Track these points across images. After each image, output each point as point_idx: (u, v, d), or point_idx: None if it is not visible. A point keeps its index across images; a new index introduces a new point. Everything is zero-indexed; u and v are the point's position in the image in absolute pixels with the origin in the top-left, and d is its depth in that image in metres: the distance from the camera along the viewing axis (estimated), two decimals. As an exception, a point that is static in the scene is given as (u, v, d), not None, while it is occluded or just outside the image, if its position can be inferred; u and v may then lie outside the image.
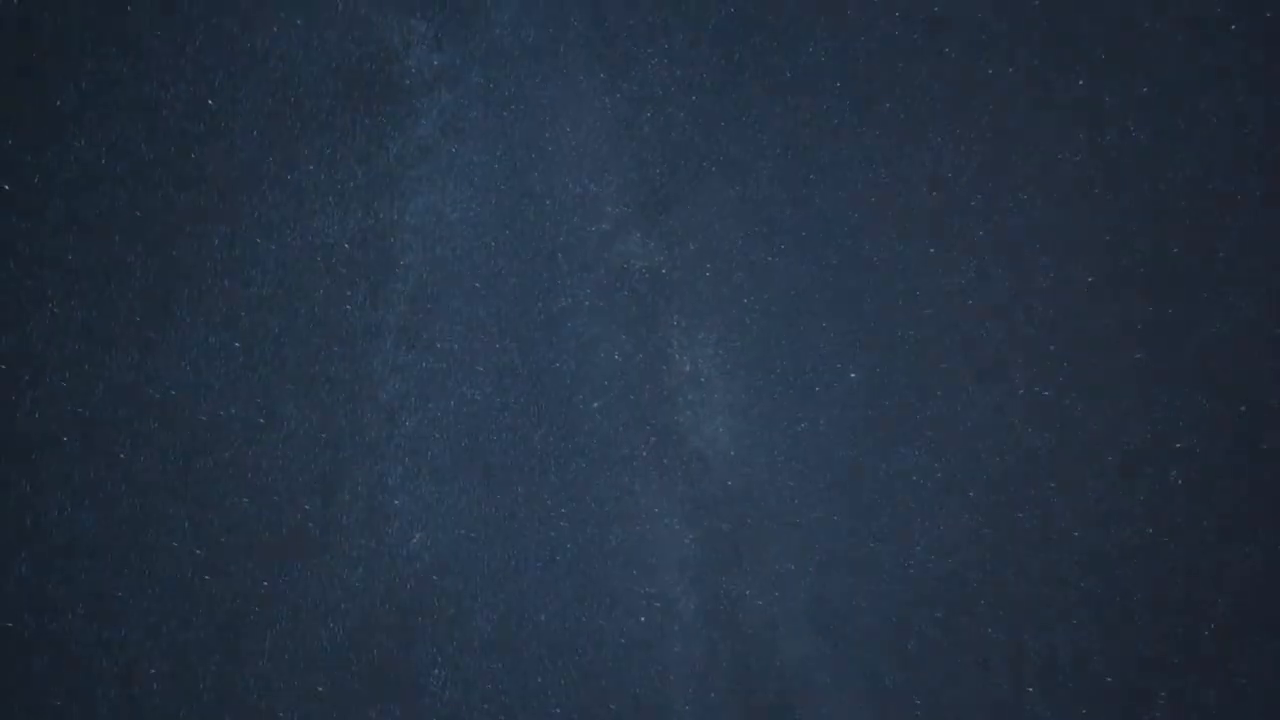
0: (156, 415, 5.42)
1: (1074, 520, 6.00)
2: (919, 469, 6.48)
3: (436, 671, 5.79)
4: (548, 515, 6.01)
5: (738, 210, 6.03)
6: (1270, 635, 5.97)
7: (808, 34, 5.87)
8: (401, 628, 5.73)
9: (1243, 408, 6.05)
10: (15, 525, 5.22)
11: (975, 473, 6.47)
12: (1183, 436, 6.01)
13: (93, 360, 5.30)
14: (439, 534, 5.79)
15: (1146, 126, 6.25)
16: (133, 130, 5.37)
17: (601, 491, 6.08)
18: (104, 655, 5.42)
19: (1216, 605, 6.08)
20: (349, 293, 5.40)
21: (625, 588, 6.18)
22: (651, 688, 6.26)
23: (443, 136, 5.41)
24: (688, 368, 6.14)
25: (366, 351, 5.61)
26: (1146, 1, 5.96)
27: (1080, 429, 6.25)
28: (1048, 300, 6.42)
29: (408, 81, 5.31)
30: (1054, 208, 6.37)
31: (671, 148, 5.89)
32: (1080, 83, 6.23)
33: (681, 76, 5.75)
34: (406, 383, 5.76)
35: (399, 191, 5.51)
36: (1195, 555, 6.09)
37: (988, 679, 6.20)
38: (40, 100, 5.15)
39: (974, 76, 6.25)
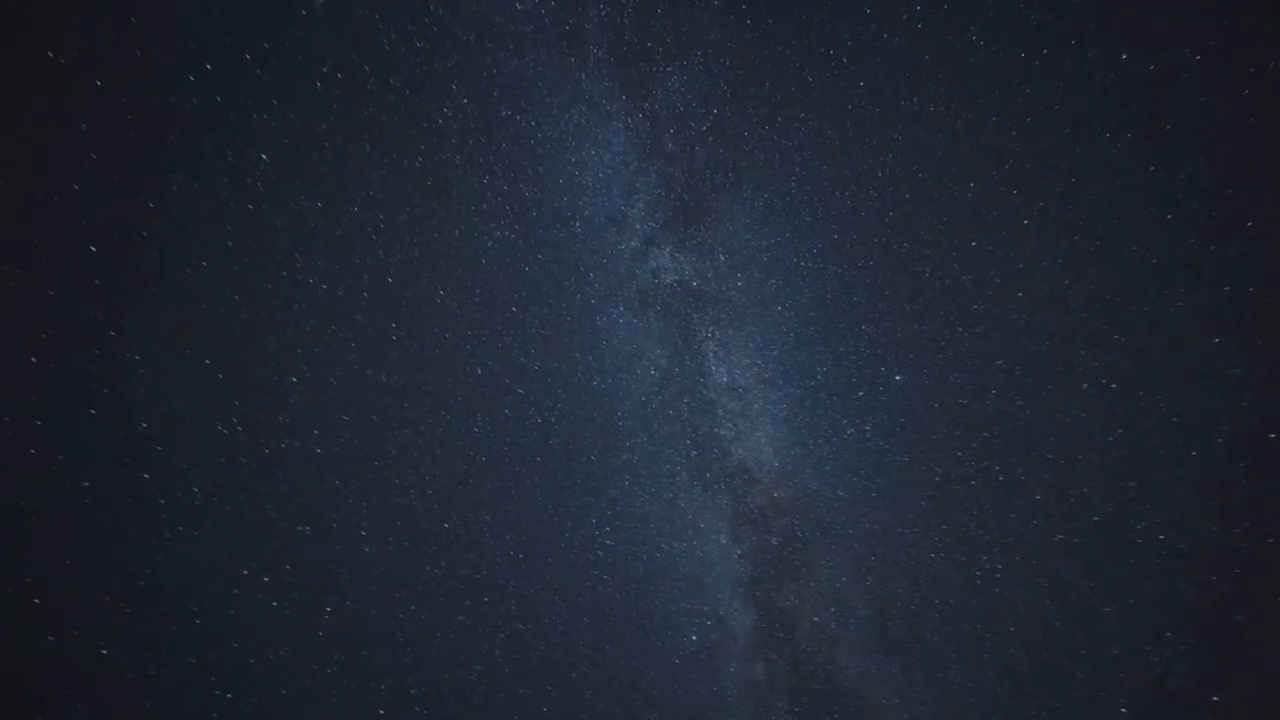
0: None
1: (1157, 522, 5.14)
2: (979, 473, 5.76)
3: (486, 691, 5.45)
4: (593, 534, 5.64)
5: (767, 218, 5.62)
6: None
7: (829, 39, 5.45)
8: (455, 646, 5.44)
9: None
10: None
11: (1041, 474, 5.70)
12: (1260, 429, 5.09)
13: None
14: (487, 558, 5.50)
15: (1192, 118, 5.50)
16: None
17: (645, 509, 5.67)
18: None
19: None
20: (394, 324, 5.27)
21: (675, 605, 5.71)
22: (708, 708, 5.71)
23: (471, 169, 5.26)
24: (725, 379, 5.71)
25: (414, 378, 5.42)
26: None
27: (1154, 425, 5.41)
28: (1109, 289, 5.66)
29: (439, 122, 5.21)
30: (1109, 193, 5.64)
31: (696, 161, 5.57)
32: (1119, 73, 5.53)
33: (702, 91, 5.45)
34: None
35: (434, 222, 5.38)
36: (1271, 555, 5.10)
37: (1074, 700, 5.35)
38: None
39: (1001, 68, 5.64)
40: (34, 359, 5.15)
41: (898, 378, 5.47)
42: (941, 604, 5.47)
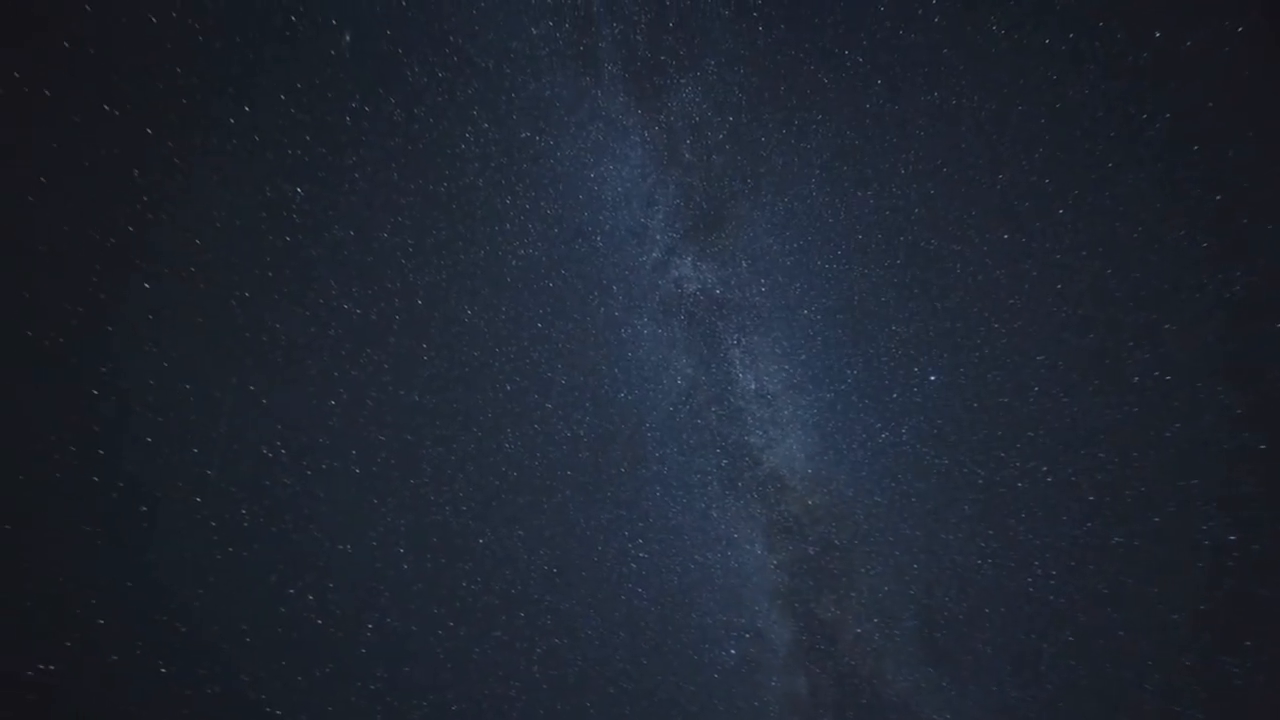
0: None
1: (1225, 522, 4.54)
2: (1025, 475, 5.24)
3: (525, 708, 5.16)
4: (625, 547, 5.34)
5: (788, 222, 5.30)
6: None
7: (843, 40, 5.14)
8: (494, 662, 5.18)
9: None
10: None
11: (1094, 475, 5.15)
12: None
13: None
14: (521, 573, 5.25)
15: (1237, 93, 4.96)
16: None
17: (678, 520, 5.35)
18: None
19: None
20: (425, 345, 5.13)
21: (712, 618, 5.33)
22: (750, 725, 5.29)
23: (494, 190, 5.12)
24: (753, 386, 5.36)
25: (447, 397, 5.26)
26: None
27: (1215, 418, 4.82)
28: (1157, 276, 5.13)
29: (462, 147, 5.09)
30: (1149, 176, 5.14)
31: (714, 170, 5.31)
32: (1151, 52, 5.05)
33: (717, 100, 5.21)
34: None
35: (460, 244, 5.25)
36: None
37: (1143, 716, 4.73)
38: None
39: (1025, 56, 5.21)
40: (95, 390, 5.17)
41: (932, 378, 5.02)
42: (992, 613, 4.95)
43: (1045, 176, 5.14)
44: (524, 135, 5.26)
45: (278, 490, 5.37)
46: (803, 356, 5.10)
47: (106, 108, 5.07)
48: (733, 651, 5.02)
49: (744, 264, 5.13)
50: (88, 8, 4.63)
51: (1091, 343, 4.89)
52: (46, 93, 4.88)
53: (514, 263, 5.35)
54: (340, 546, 5.36)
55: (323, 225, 5.26)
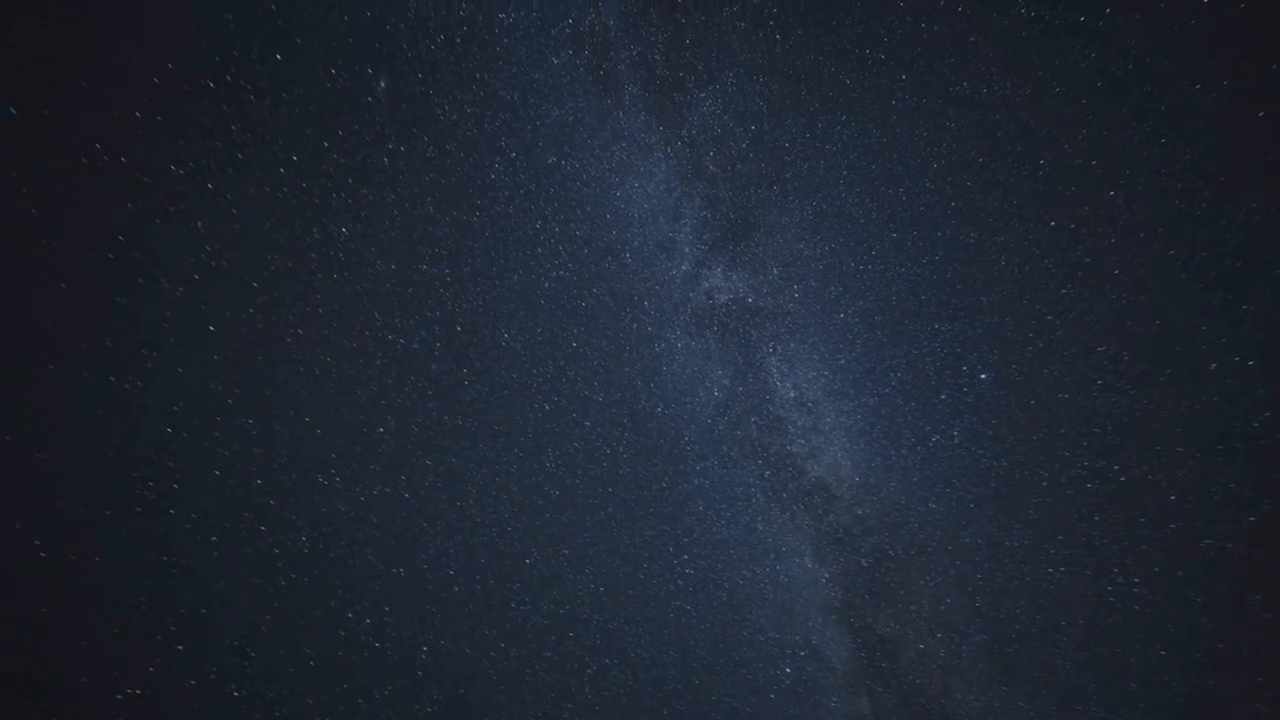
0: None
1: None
2: (1094, 474, 4.53)
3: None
4: (671, 563, 4.89)
5: (818, 225, 4.84)
6: None
7: (863, 39, 4.70)
8: (546, 684, 4.77)
9: None
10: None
11: (1173, 471, 4.40)
12: None
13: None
14: (568, 593, 4.87)
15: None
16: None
17: (722, 534, 4.87)
18: None
19: None
20: (465, 370, 4.89)
21: (764, 635, 4.80)
22: (810, 747, 4.69)
23: (524, 216, 4.89)
24: (792, 394, 4.87)
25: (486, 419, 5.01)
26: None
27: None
28: (1227, 254, 4.39)
29: (492, 177, 4.89)
30: (1209, 148, 4.45)
31: (739, 179, 4.93)
32: (1200, 19, 4.39)
33: (737, 110, 4.86)
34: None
35: (494, 270, 5.02)
36: None
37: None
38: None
39: (1059, 36, 4.63)
40: (169, 428, 5.14)
41: (982, 376, 4.40)
42: (1070, 625, 4.23)
43: (1092, 158, 4.50)
44: (550, 161, 5.03)
45: (335, 516, 5.20)
46: (842, 361, 4.57)
47: (173, 168, 5.12)
48: (788, 670, 4.46)
49: (775, 270, 4.67)
50: (155, 80, 4.68)
51: (1158, 330, 4.19)
52: (123, 159, 4.95)
53: (547, 285, 5.08)
54: (394, 570, 5.12)
55: (366, 261, 5.15)
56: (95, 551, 5.21)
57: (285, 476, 5.32)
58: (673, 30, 5.20)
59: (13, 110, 4.86)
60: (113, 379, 5.14)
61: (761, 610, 4.66)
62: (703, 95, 5.07)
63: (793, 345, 4.75)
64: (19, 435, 5.01)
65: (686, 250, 5.04)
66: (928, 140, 4.79)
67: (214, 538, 5.22)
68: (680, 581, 4.68)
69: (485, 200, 5.28)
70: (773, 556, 4.66)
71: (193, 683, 5.20)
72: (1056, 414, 4.47)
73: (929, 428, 4.53)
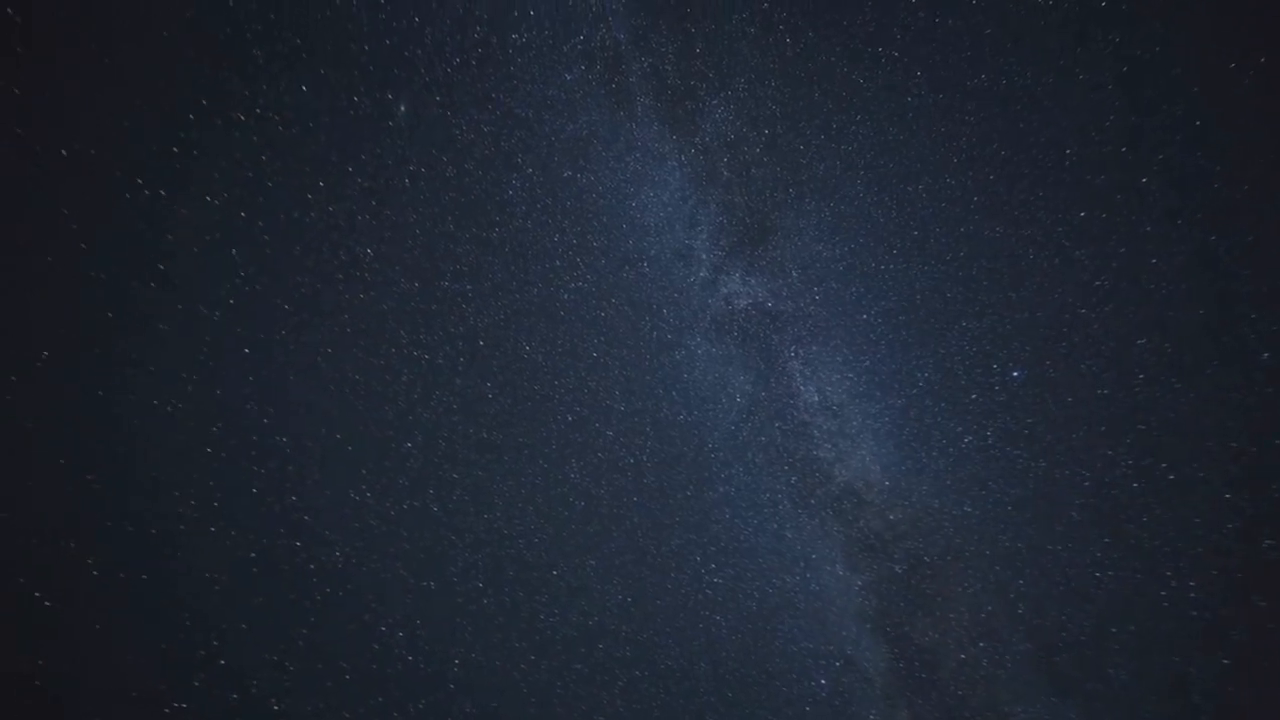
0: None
1: None
2: (1140, 473, 4.13)
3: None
4: (699, 573, 4.62)
5: (836, 226, 4.57)
6: None
7: (875, 38, 4.45)
8: (577, 696, 4.53)
9: None
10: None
11: (1226, 468, 3.98)
12: None
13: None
14: (596, 604, 4.63)
15: None
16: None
17: (750, 542, 4.58)
18: None
19: None
20: (489, 384, 4.75)
21: (797, 646, 4.48)
22: (849, 763, 4.34)
23: (541, 230, 4.74)
24: (816, 398, 4.58)
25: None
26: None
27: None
28: (1274, 238, 3.99)
29: (509, 193, 4.76)
30: (1245, 128, 4.06)
31: (754, 183, 4.70)
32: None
33: (750, 115, 4.66)
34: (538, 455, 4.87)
35: (514, 284, 4.87)
36: None
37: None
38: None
39: (1081, 22, 4.31)
40: (208, 448, 5.11)
41: (1015, 374, 4.05)
42: (1122, 633, 3.83)
43: (1121, 145, 4.15)
44: (566, 174, 4.89)
45: (366, 531, 5.08)
46: (866, 363, 4.26)
47: (208, 198, 5.12)
48: (823, 682, 4.13)
49: (794, 274, 4.41)
50: (190, 116, 4.70)
51: (1202, 318, 3.79)
52: (162, 192, 4.97)
53: (566, 296, 4.91)
54: (424, 583, 4.97)
55: (391, 280, 5.06)
56: (141, 569, 5.18)
57: (319, 493, 5.23)
58: (683, 40, 5.02)
59: (63, 152, 4.90)
60: (155, 402, 5.14)
61: (794, 620, 4.35)
62: (715, 102, 4.87)
63: (815, 348, 4.46)
64: (68, 459, 5.00)
65: (704, 257, 4.81)
66: (946, 135, 4.48)
67: (252, 554, 5.15)
68: (709, 591, 4.40)
69: (504, 216, 5.16)
70: (803, 564, 4.35)
71: (235, 697, 5.11)
72: (1096, 411, 4.08)
73: (960, 429, 4.18)
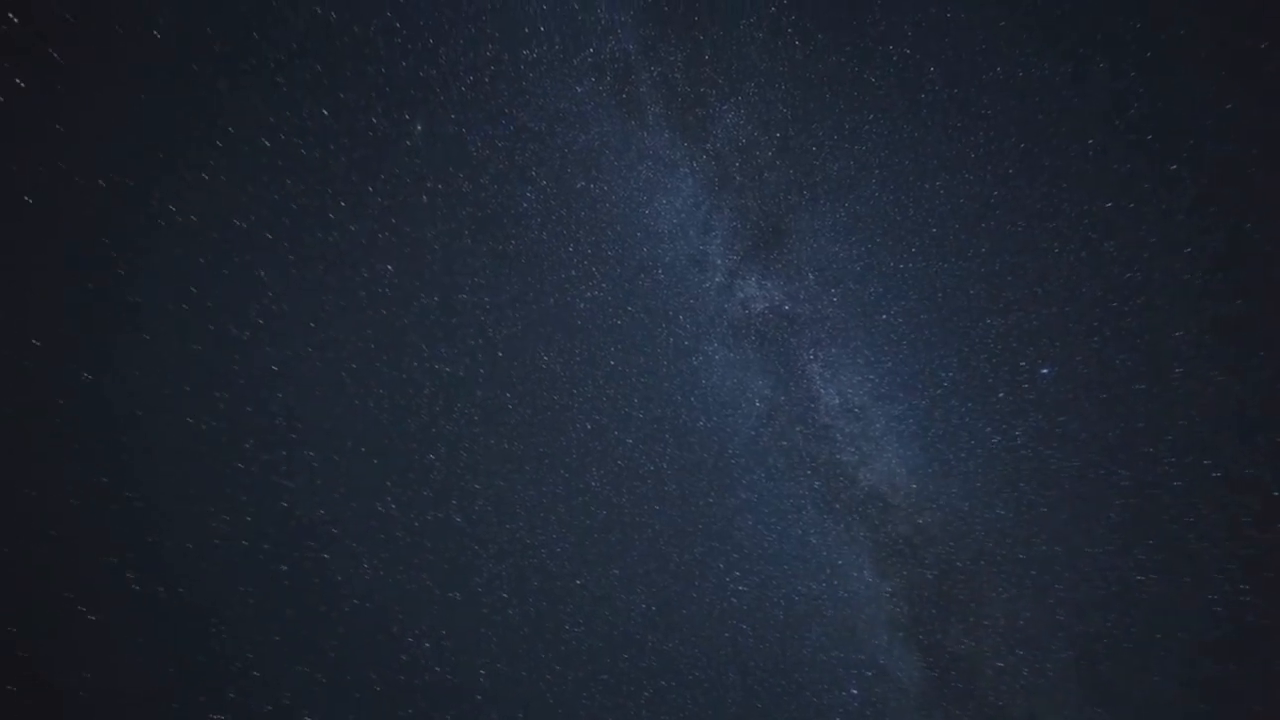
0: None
1: None
2: (1183, 471, 3.81)
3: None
4: (723, 581, 4.41)
5: (852, 227, 4.37)
6: None
7: (885, 36, 4.27)
8: (603, 707, 4.34)
9: None
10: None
11: (1275, 465, 3.63)
12: None
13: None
14: (620, 613, 4.44)
15: None
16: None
17: (774, 549, 4.37)
18: None
19: None
20: (508, 394, 4.61)
21: (826, 655, 4.24)
22: (884, 777, 4.07)
23: (556, 241, 4.63)
24: (837, 401, 4.36)
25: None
26: None
27: None
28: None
29: (524, 205, 4.66)
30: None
31: (767, 187, 4.53)
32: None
33: (761, 119, 4.51)
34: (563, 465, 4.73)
35: (531, 295, 4.76)
36: None
37: None
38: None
39: (1101, 8, 4.05)
40: (240, 464, 5.07)
41: (1044, 371, 3.77)
42: (1170, 639, 3.49)
43: (1147, 133, 3.88)
44: (579, 185, 4.77)
45: (392, 543, 4.99)
46: (888, 364, 4.02)
47: (237, 222, 5.13)
48: (855, 691, 3.88)
49: (811, 276, 4.20)
50: (218, 144, 4.73)
51: (1240, 308, 3.48)
52: (193, 217, 5.00)
53: (582, 306, 4.78)
54: (450, 594, 4.84)
55: (411, 295, 5.00)
56: (178, 583, 5.15)
57: (346, 506, 5.15)
58: (691, 48, 4.89)
59: (101, 182, 4.95)
60: (190, 420, 5.13)
61: (822, 628, 4.10)
62: (725, 108, 4.72)
63: (834, 350, 4.24)
64: (110, 478, 5.01)
65: (718, 262, 4.64)
66: (962, 130, 4.25)
67: (284, 566, 5.07)
68: (734, 599, 4.18)
69: (519, 228, 5.08)
70: (829, 571, 4.10)
71: (269, 708, 5.02)
72: (1132, 407, 3.78)
73: (989, 429, 3.91)
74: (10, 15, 4.57)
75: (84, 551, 5.18)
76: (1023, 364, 4.08)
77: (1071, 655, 3.90)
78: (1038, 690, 3.91)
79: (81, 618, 5.18)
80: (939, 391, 4.29)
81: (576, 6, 4.96)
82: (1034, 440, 4.07)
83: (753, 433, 4.65)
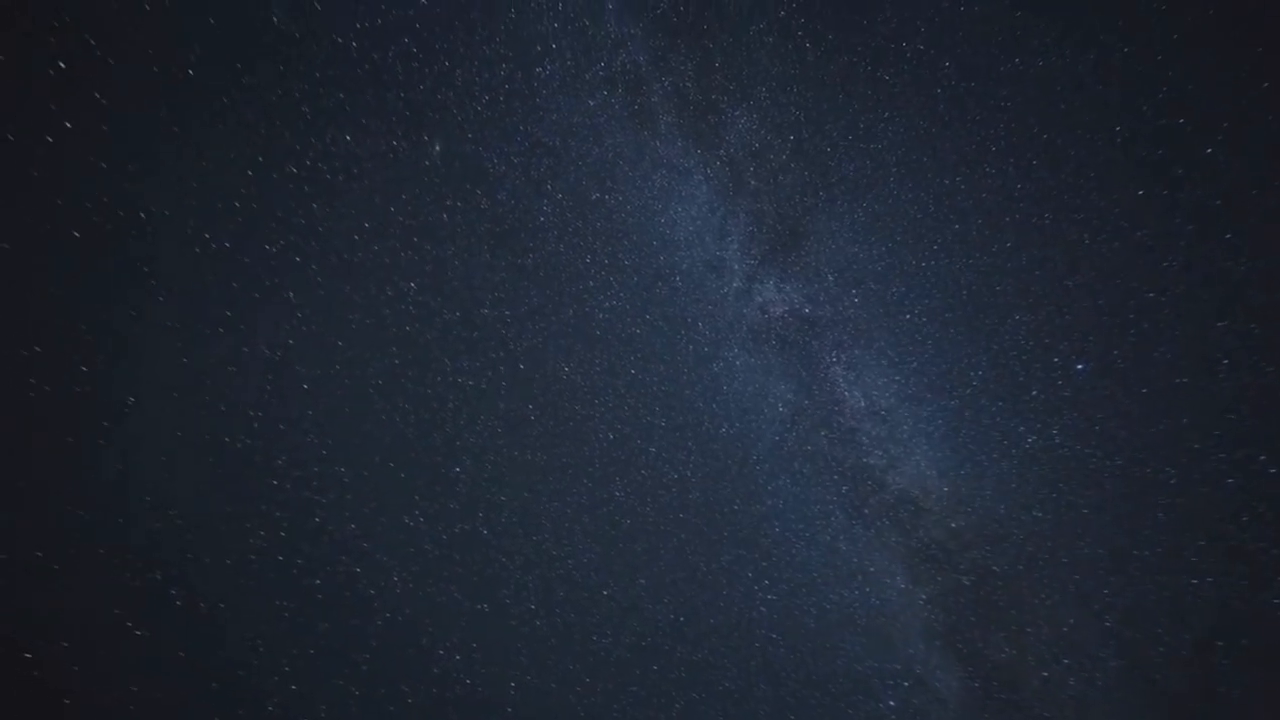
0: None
1: None
2: (1235, 467, 3.49)
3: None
4: (751, 589, 4.20)
5: (871, 226, 4.16)
6: None
7: (898, 33, 4.08)
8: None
9: None
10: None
11: None
12: None
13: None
14: (648, 623, 4.25)
15: None
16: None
17: (803, 556, 4.15)
18: None
19: None
20: (530, 406, 4.49)
21: (861, 665, 3.98)
22: (926, 793, 3.78)
23: (573, 253, 4.52)
24: (862, 403, 4.14)
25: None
26: None
27: None
28: None
29: (540, 219, 4.57)
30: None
31: (783, 190, 4.36)
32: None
33: (774, 123, 4.35)
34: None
35: (550, 308, 4.65)
36: None
37: None
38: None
39: None
40: (274, 480, 5.04)
41: (1079, 367, 3.50)
42: (1231, 646, 3.15)
43: (1179, 116, 3.60)
44: (594, 197, 4.67)
45: (421, 556, 4.90)
46: (914, 364, 3.78)
47: (267, 247, 5.14)
48: (892, 703, 3.62)
49: (830, 277, 3.99)
50: (249, 173, 4.75)
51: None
52: (227, 244, 5.02)
53: (601, 316, 4.65)
54: (478, 606, 4.71)
55: (434, 311, 4.94)
56: (219, 598, 5.11)
57: (375, 520, 5.07)
58: (701, 56, 4.75)
59: (142, 215, 5.00)
60: (226, 439, 5.11)
61: (855, 637, 3.84)
62: (737, 114, 4.56)
63: (857, 352, 4.01)
64: (153, 498, 5.01)
65: (736, 267, 4.46)
66: (982, 124, 4.01)
67: (317, 580, 5.00)
68: (763, 609, 3.96)
69: (536, 242, 4.99)
70: (860, 578, 3.85)
71: (308, 721, 4.93)
72: (1176, 402, 3.47)
73: (1023, 428, 3.64)
74: (60, 64, 4.68)
75: (130, 568, 5.20)
76: (1056, 360, 3.79)
77: (1122, 664, 3.58)
78: (1088, 701, 3.59)
79: (129, 633, 5.19)
80: (969, 391, 4.02)
81: (587, 22, 4.88)
82: (1072, 439, 3.78)
83: (777, 438, 4.43)
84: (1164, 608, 3.65)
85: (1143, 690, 3.65)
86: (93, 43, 4.59)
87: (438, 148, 5.30)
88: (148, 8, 4.71)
